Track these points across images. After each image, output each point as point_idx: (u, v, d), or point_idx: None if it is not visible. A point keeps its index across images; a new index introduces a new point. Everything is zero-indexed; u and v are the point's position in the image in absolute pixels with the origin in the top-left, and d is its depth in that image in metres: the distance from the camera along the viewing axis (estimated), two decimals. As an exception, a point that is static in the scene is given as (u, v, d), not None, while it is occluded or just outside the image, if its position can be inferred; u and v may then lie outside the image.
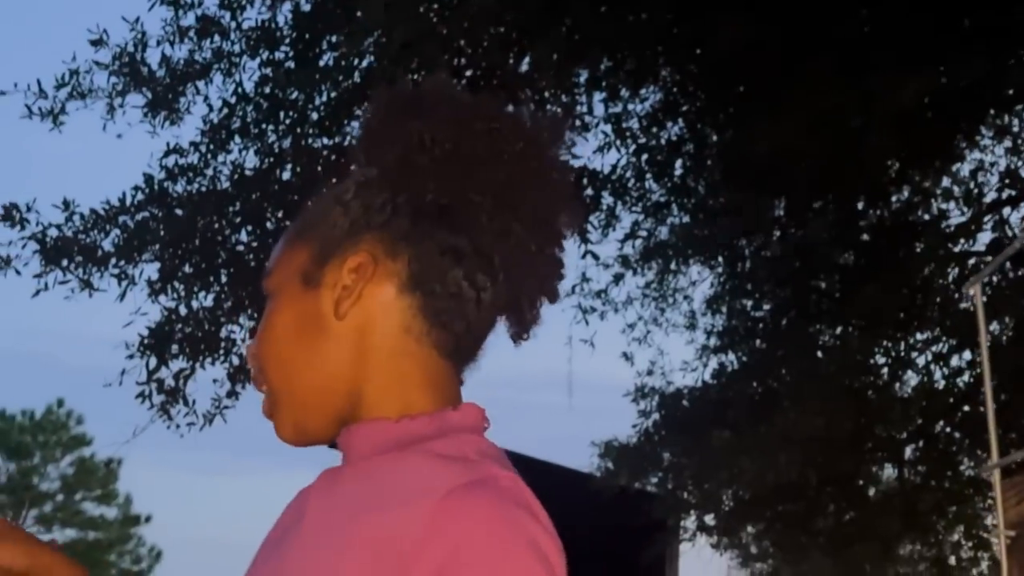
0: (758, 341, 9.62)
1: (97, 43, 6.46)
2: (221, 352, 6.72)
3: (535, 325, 1.11)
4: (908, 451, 10.15)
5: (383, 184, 1.07)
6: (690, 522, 10.77)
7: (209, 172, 6.74)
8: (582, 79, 8.18)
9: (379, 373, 1.04)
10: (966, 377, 9.28)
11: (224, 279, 6.76)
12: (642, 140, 8.57)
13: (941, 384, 9.19)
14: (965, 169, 9.43)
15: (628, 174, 8.65)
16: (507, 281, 1.06)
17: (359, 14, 5.93)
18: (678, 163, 9.01)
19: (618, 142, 8.14)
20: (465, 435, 1.01)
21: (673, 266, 9.85)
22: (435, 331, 1.05)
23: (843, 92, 6.47)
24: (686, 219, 9.37)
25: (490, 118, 1.07)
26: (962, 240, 9.08)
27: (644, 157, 8.67)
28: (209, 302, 6.69)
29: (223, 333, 6.72)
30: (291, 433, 1.07)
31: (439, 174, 1.05)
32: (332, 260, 1.06)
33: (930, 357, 9.03)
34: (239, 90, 6.76)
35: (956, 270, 8.90)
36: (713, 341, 9.84)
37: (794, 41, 6.95)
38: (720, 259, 9.68)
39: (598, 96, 8.34)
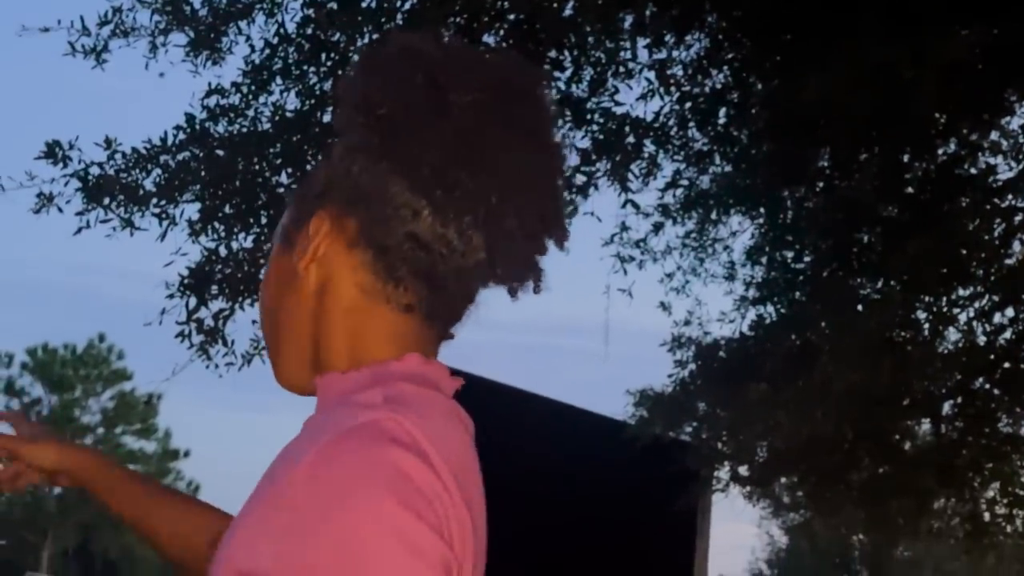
0: (797, 293, 9.54)
1: (141, -20, 6.44)
2: (261, 294, 6.74)
3: (526, 285, 1.10)
4: (946, 407, 10.07)
5: (370, 150, 1.06)
6: (723, 473, 10.79)
7: (250, 113, 6.73)
8: (626, 25, 8.08)
9: (335, 330, 1.09)
10: (1008, 334, 9.18)
11: (264, 220, 6.78)
12: (686, 88, 8.47)
13: (982, 341, 9.08)
14: (1015, 123, 9.25)
15: (671, 122, 8.56)
16: (486, 245, 1.05)
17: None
18: (722, 112, 8.90)
19: (662, 89, 8.05)
20: (398, 383, 1.02)
21: (714, 216, 9.76)
22: (391, 288, 1.07)
23: (893, 44, 6.34)
24: (728, 168, 9.27)
25: (479, 87, 1.05)
26: (1009, 196, 8.93)
27: (687, 105, 8.57)
28: (249, 243, 6.72)
29: (262, 275, 6.74)
30: (280, 380, 1.17)
31: (432, 145, 1.03)
32: (304, 221, 1.11)
33: (972, 314, 8.92)
34: (281, 31, 6.73)
35: (1003, 226, 8.76)
36: (752, 292, 9.76)
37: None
38: (761, 210, 9.58)
39: (642, 42, 8.24)
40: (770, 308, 9.67)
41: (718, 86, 8.76)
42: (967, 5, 6.82)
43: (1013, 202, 8.82)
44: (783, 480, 11.35)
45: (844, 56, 6.56)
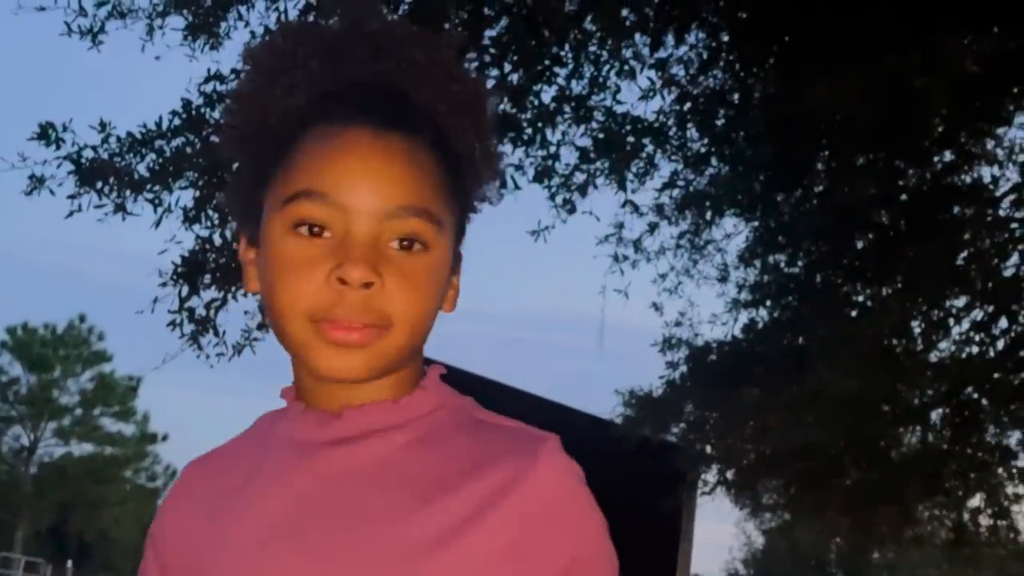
0: (790, 298, 9.51)
1: (141, -37, 6.33)
2: (253, 284, 6.66)
3: None
4: (934, 415, 10.07)
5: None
6: (711, 475, 10.77)
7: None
8: (628, 22, 8.03)
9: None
10: (1000, 345, 9.17)
11: (259, 209, 6.68)
12: (687, 88, 8.42)
13: (974, 351, 9.07)
14: (1012, 134, 9.23)
15: (670, 122, 8.51)
16: None
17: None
18: (721, 113, 8.85)
19: (664, 90, 7.99)
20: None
21: (709, 217, 9.71)
22: None
23: (904, 52, 6.30)
24: (725, 170, 9.23)
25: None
26: (1005, 206, 8.92)
27: (687, 105, 8.52)
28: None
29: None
30: (364, 372, 1.09)
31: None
32: (455, 219, 1.16)
33: (966, 324, 8.91)
34: (282, 17, 6.64)
35: (998, 237, 8.75)
36: (745, 295, 9.72)
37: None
38: (757, 212, 9.54)
39: (642, 40, 8.19)
40: (763, 312, 9.65)
41: (718, 87, 8.71)
42: (973, 13, 6.79)
43: (1010, 213, 8.80)
44: (768, 484, 11.33)
45: (854, 61, 6.51)
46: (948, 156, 9.09)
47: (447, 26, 6.47)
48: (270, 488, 1.10)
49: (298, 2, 6.61)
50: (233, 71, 6.58)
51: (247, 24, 6.68)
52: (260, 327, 6.72)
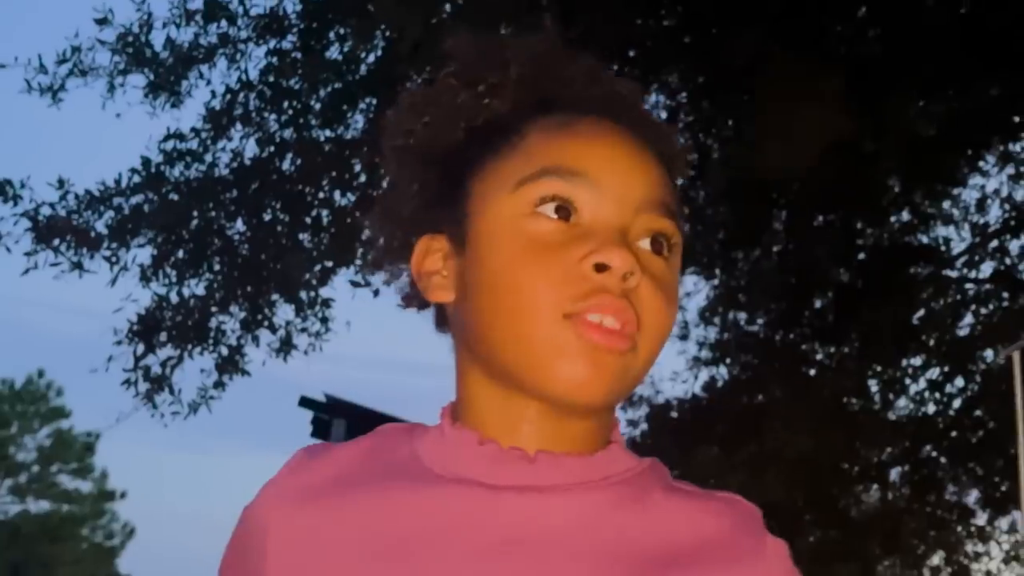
0: (750, 356, 9.57)
1: (102, 22, 6.35)
2: (210, 342, 6.63)
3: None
4: (894, 474, 10.13)
5: None
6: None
7: (208, 158, 6.64)
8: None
9: None
10: (957, 404, 9.26)
11: (216, 267, 6.67)
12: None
13: (932, 410, 9.16)
14: (967, 194, 9.40)
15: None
16: None
17: (370, 7, 5.85)
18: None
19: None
20: None
21: (669, 275, 9.78)
22: None
23: (856, 115, 6.41)
24: (684, 228, 9.31)
25: None
26: (960, 266, 9.05)
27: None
28: (200, 290, 6.60)
29: (212, 323, 6.63)
30: (613, 393, 0.90)
31: None
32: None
33: (923, 383, 8.99)
34: (243, 77, 6.66)
35: (954, 297, 8.87)
36: (705, 353, 9.78)
37: (803, 58, 6.89)
38: (716, 271, 9.63)
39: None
40: (723, 370, 9.70)
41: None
42: (927, 79, 6.93)
43: (965, 273, 8.93)
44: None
45: (805, 124, 6.62)
46: (905, 216, 9.24)
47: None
48: (448, 540, 0.87)
49: (259, 62, 6.64)
50: (193, 130, 6.60)
51: (208, 83, 6.70)
52: (216, 385, 6.67)
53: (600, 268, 0.86)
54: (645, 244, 0.91)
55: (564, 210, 0.89)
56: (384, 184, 1.05)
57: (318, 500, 0.92)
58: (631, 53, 8.02)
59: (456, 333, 0.97)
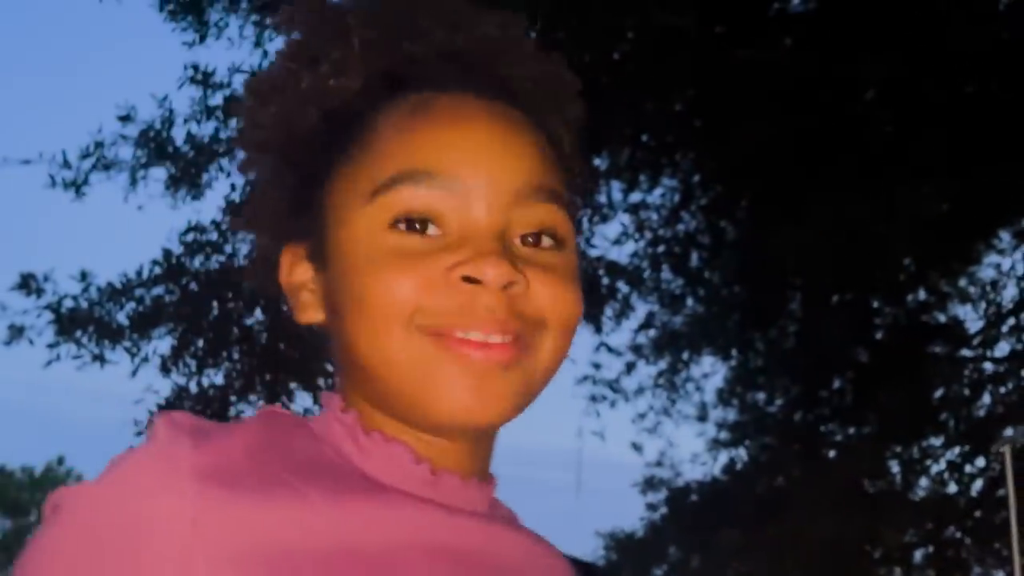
0: (769, 437, 9.54)
1: (125, 119, 6.52)
2: (229, 431, 6.67)
3: None
4: (918, 555, 10.00)
5: None
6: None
7: (227, 249, 6.74)
8: (602, 168, 8.23)
9: None
10: (979, 484, 9.18)
11: (236, 356, 6.73)
12: (660, 231, 8.59)
13: (954, 489, 9.08)
14: (983, 272, 9.41)
15: (644, 264, 8.65)
16: None
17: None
18: (694, 255, 9.02)
19: (637, 234, 8.16)
20: None
21: (685, 357, 9.80)
22: None
23: (866, 199, 6.48)
24: (700, 310, 9.36)
25: None
26: (977, 345, 9.03)
27: (661, 248, 8.68)
28: (220, 380, 6.65)
29: (232, 412, 6.67)
30: (508, 410, 0.80)
31: None
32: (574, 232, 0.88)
33: (943, 465, 8.93)
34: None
35: (972, 376, 8.84)
36: (723, 435, 9.75)
37: (814, 142, 6.99)
38: (733, 351, 9.64)
39: (617, 185, 8.38)
40: (741, 451, 9.66)
41: (691, 230, 8.89)
42: (935, 160, 6.99)
43: (982, 352, 8.91)
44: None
45: (815, 207, 6.68)
46: (922, 295, 9.25)
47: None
48: (428, 560, 0.77)
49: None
50: (213, 222, 6.71)
51: (228, 175, 6.83)
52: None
53: (471, 280, 0.77)
54: (528, 239, 0.81)
55: (424, 223, 0.79)
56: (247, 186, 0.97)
57: (251, 492, 0.72)
58: (643, 137, 8.15)
59: (333, 356, 0.87)
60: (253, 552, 0.70)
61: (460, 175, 0.79)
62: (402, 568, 0.75)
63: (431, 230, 0.79)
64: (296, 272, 0.88)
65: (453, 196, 0.78)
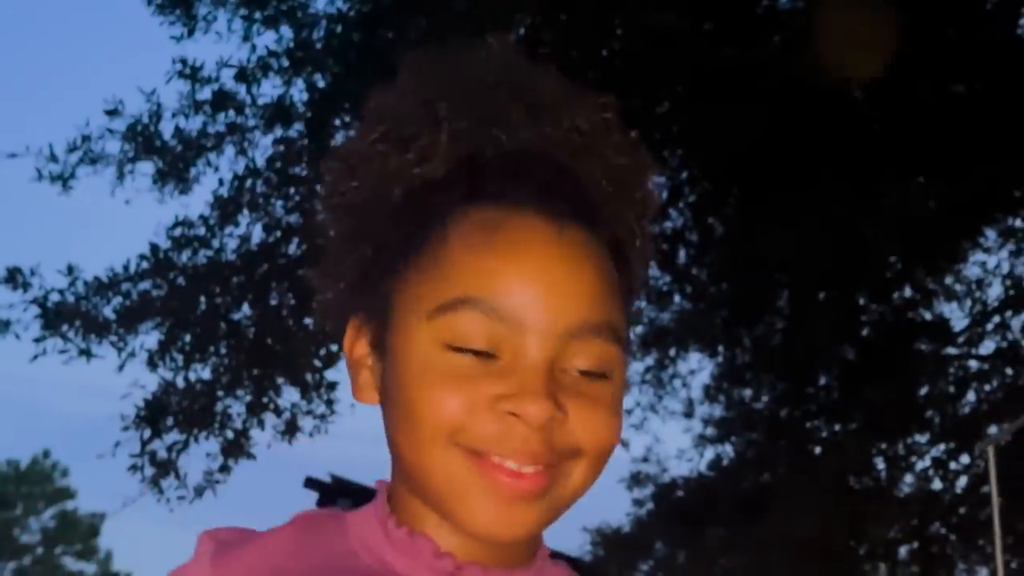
0: (755, 434, 9.57)
1: (112, 113, 6.50)
2: (216, 426, 6.67)
3: None
4: (902, 551, 10.06)
5: None
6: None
7: (215, 244, 6.73)
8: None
9: None
10: (964, 481, 9.23)
11: (223, 351, 6.73)
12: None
13: (938, 486, 9.14)
14: (969, 270, 9.46)
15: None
16: None
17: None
18: (682, 252, 9.04)
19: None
20: None
21: (672, 353, 9.83)
22: None
23: (853, 197, 6.50)
24: (687, 307, 9.38)
25: None
26: (962, 343, 9.08)
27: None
28: (207, 375, 6.65)
29: (219, 407, 6.68)
30: (532, 531, 0.84)
31: None
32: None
33: (928, 462, 8.98)
34: (250, 164, 6.78)
35: (957, 372, 8.89)
36: (710, 431, 9.78)
37: (802, 140, 7.01)
38: (720, 348, 9.67)
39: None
40: (728, 447, 9.70)
41: (678, 226, 8.91)
42: (922, 159, 7.03)
43: (967, 349, 8.96)
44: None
45: (803, 207, 6.71)
46: (908, 292, 9.29)
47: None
48: None
49: (266, 150, 6.77)
50: (201, 216, 6.71)
51: (216, 170, 6.83)
52: (222, 469, 6.69)
53: (515, 415, 0.80)
54: (578, 370, 0.82)
55: (490, 350, 0.80)
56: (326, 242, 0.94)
57: None
58: (631, 135, 8.14)
59: (386, 438, 0.89)
60: None
61: (521, 312, 0.80)
62: None
63: (486, 358, 0.81)
64: (358, 348, 0.90)
65: (511, 329, 0.80)
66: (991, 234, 9.18)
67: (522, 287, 0.80)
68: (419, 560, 0.85)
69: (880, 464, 9.20)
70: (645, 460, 10.09)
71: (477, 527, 0.81)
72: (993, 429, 8.73)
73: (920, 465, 9.16)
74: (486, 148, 0.86)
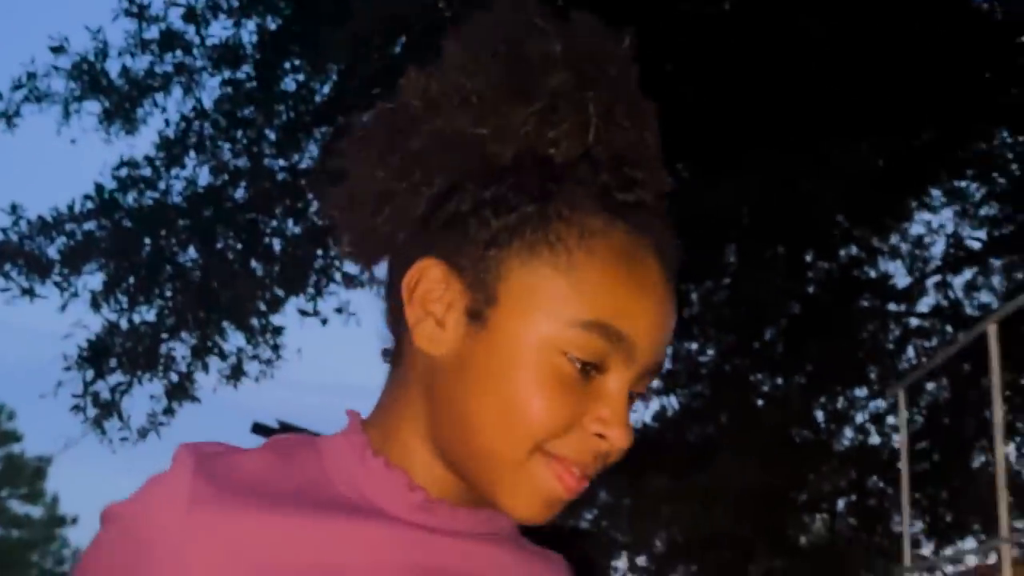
0: (701, 386, 9.68)
1: (58, 50, 6.40)
2: (160, 368, 6.65)
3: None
4: (841, 504, 10.27)
5: None
6: (622, 563, 10.84)
7: (161, 186, 6.68)
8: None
9: None
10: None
11: (168, 295, 6.70)
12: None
13: (877, 441, 9.33)
14: (914, 229, 9.59)
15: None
16: None
17: (324, 42, 5.93)
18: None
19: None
20: None
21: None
22: None
23: (801, 156, 6.56)
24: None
25: None
26: (904, 300, 9.23)
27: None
28: (151, 317, 6.62)
29: (163, 349, 6.66)
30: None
31: None
32: None
33: (867, 416, 9.14)
34: (198, 106, 6.72)
35: (897, 329, 9.05)
36: (656, 383, 9.88)
37: (753, 97, 7.05)
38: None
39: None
40: (673, 399, 9.81)
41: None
42: (871, 119, 7.10)
43: (908, 307, 9.11)
44: (678, 570, 11.40)
45: (753, 164, 6.76)
46: (855, 250, 9.41)
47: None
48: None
49: (214, 92, 6.70)
50: (147, 157, 6.64)
51: (163, 111, 6.76)
52: (166, 412, 6.69)
53: (601, 437, 0.85)
54: (632, 393, 0.88)
55: (596, 368, 0.85)
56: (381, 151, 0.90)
57: (240, 511, 0.85)
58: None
59: (419, 381, 0.91)
60: (236, 564, 0.84)
61: (634, 345, 0.84)
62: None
63: (592, 373, 0.84)
64: (430, 293, 0.88)
65: (622, 357, 0.84)
66: (937, 194, 9.31)
67: (644, 325, 0.85)
68: (392, 491, 0.89)
69: (821, 418, 9.36)
70: (591, 410, 10.19)
71: (518, 513, 0.86)
72: (931, 385, 8.91)
73: (859, 419, 9.33)
74: (610, 142, 0.86)
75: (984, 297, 9.13)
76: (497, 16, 0.89)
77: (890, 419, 9.12)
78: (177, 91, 6.73)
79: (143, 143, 6.74)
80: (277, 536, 0.84)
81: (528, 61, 0.86)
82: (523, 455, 0.85)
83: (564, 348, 0.84)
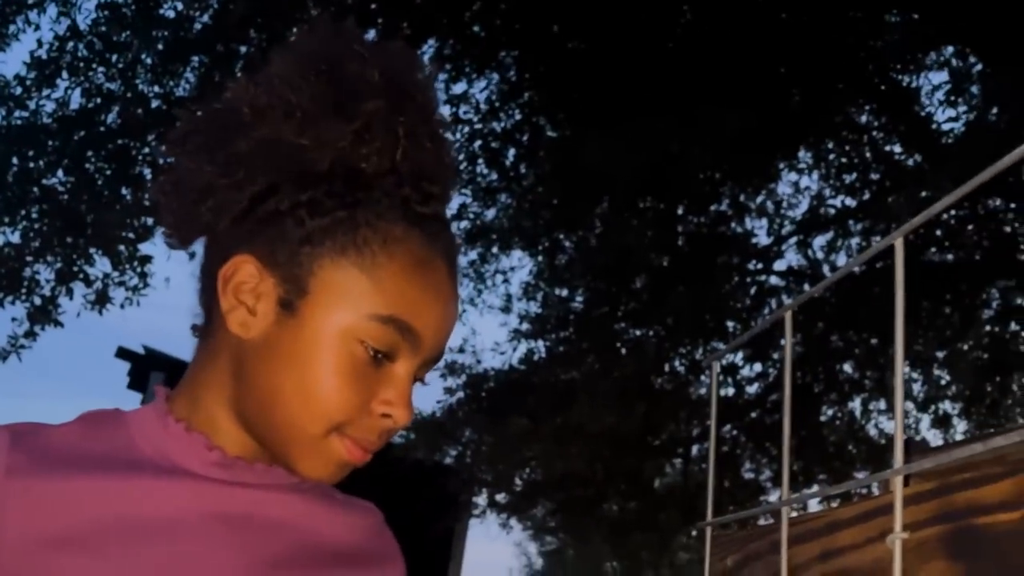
0: (568, 331, 9.90)
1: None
2: (23, 291, 6.58)
3: None
4: (694, 450, 10.65)
5: None
6: (482, 499, 11.07)
7: (31, 105, 6.56)
8: (427, 57, 8.26)
9: None
10: (754, 388, 9.83)
11: (35, 215, 6.62)
12: (478, 126, 8.72)
13: (732, 392, 9.68)
14: (781, 189, 9.91)
15: (461, 157, 8.78)
16: None
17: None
18: (511, 152, 9.19)
19: (455, 126, 8.25)
20: None
21: (495, 250, 10.03)
22: None
23: (674, 114, 6.75)
24: (513, 206, 9.56)
25: None
26: (762, 258, 9.57)
27: (478, 143, 8.83)
28: (16, 239, 6.54)
29: (27, 272, 6.58)
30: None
31: None
32: None
33: (722, 367, 9.46)
34: (73, 25, 6.60)
35: (756, 285, 9.39)
36: (525, 326, 10.08)
37: (633, 58, 7.21)
38: (541, 248, 9.91)
39: (441, 76, 8.42)
40: (541, 344, 10.01)
41: (509, 127, 9.04)
42: (743, 78, 7.31)
43: (767, 265, 9.46)
44: (539, 511, 11.71)
45: (629, 119, 6.94)
46: (725, 207, 9.69)
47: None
48: (186, 525, 0.97)
49: (89, 14, 6.59)
50: (17, 76, 6.51)
51: (36, 29, 6.62)
52: (28, 335, 6.63)
53: (385, 417, 0.99)
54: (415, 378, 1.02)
55: (387, 356, 0.98)
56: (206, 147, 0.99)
57: (52, 475, 0.95)
58: (468, 32, 8.21)
59: (227, 358, 1.02)
60: (49, 523, 0.93)
61: (423, 340, 0.99)
62: (181, 531, 0.96)
63: (383, 360, 0.98)
64: (247, 287, 1.00)
65: (410, 348, 0.99)
66: (805, 156, 9.63)
67: (431, 321, 0.99)
68: (192, 451, 1.01)
69: (679, 367, 9.67)
70: (461, 351, 10.34)
71: (310, 475, 1.00)
72: (783, 341, 9.27)
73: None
74: (414, 160, 0.99)
75: (841, 259, 9.53)
76: (321, 36, 1.00)
77: (744, 371, 9.51)
78: (52, 9, 6.60)
79: (13, 61, 6.59)
80: (86, 495, 0.95)
81: (348, 82, 0.97)
82: (320, 433, 0.97)
83: (362, 337, 0.96)
